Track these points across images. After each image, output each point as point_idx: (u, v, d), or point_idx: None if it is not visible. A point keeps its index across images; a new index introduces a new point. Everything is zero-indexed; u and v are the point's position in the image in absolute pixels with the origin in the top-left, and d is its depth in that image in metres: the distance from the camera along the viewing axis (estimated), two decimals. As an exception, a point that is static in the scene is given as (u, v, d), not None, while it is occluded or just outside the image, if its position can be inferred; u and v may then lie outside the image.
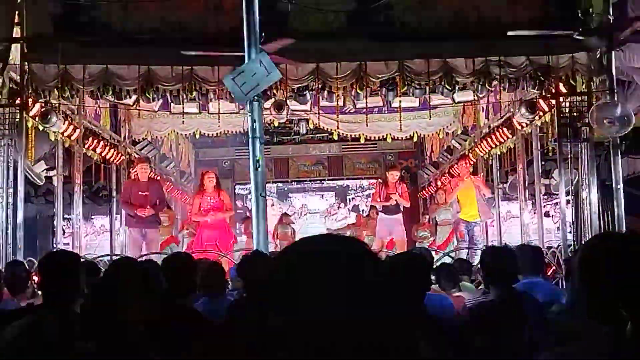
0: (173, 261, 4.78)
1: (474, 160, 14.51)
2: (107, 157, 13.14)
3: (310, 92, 10.58)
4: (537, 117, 11.02)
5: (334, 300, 1.10)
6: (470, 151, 14.66)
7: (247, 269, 4.84)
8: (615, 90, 9.64)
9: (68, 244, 12.24)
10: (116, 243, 14.32)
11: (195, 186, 19.56)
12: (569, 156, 10.26)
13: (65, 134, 11.03)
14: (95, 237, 16.87)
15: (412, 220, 16.23)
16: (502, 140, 12.74)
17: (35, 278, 6.46)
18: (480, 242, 12.47)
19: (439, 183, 17.54)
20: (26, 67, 9.56)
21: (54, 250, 9.75)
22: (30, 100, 9.78)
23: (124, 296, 3.11)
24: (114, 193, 14.20)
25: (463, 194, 12.67)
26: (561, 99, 10.16)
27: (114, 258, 9.64)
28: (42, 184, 12.12)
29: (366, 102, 11.35)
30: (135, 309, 3.05)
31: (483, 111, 14.16)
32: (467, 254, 11.61)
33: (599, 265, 1.83)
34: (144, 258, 9.58)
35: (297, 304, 1.11)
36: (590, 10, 9.50)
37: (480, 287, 6.53)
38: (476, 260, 9.10)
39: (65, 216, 12.41)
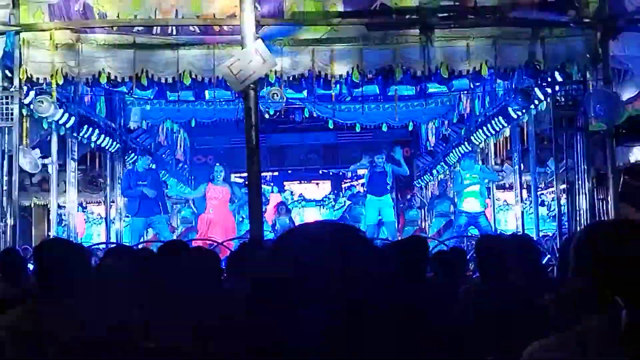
0: (166, 248, 4.79)
1: (469, 149, 14.53)
2: (102, 145, 13.11)
3: (306, 80, 10.56)
4: (532, 106, 11.03)
5: (329, 287, 1.10)
6: (466, 140, 14.66)
7: (243, 258, 4.84)
8: (611, 79, 9.64)
9: (63, 232, 12.23)
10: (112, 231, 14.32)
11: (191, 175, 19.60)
12: (564, 145, 10.27)
13: (60, 122, 11.00)
14: (91, 225, 16.88)
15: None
16: (497, 128, 12.73)
17: (31, 266, 6.45)
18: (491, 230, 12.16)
19: (434, 172, 17.57)
20: (21, 54, 9.52)
21: (49, 238, 9.75)
22: (24, 88, 9.75)
23: None
24: (109, 181, 14.18)
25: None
26: (557, 87, 10.16)
27: (110, 246, 9.64)
28: (37, 172, 12.11)
29: (362, 91, 11.33)
30: None
31: (479, 100, 14.15)
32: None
33: (593, 253, 1.84)
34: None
35: (291, 294, 1.11)
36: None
37: (474, 276, 6.54)
38: None
39: (60, 204, 12.38)
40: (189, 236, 13.37)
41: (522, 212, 12.75)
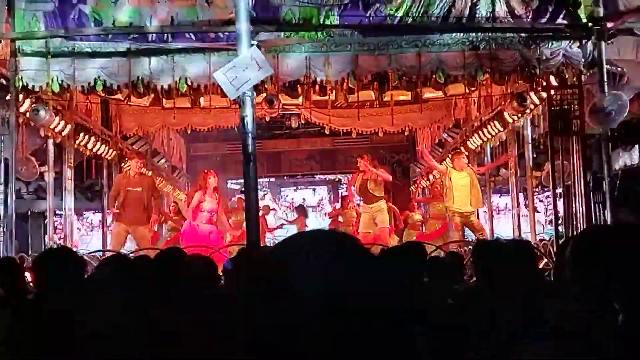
0: (164, 255, 4.79)
1: (467, 153, 14.54)
2: (99, 152, 13.10)
3: (302, 86, 10.56)
4: (528, 110, 11.04)
5: (324, 296, 1.10)
6: (462, 144, 14.68)
7: (240, 264, 4.85)
8: (605, 83, 9.65)
9: (60, 239, 12.22)
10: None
11: (187, 181, 19.54)
12: (560, 149, 10.28)
13: (56, 130, 10.99)
14: (87, 233, 16.84)
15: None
16: (493, 133, 12.75)
17: (28, 274, 6.42)
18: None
19: (431, 177, 17.58)
20: (16, 62, 9.51)
21: (55, 247, 9.74)
22: (20, 96, 9.74)
23: None
24: (105, 189, 14.17)
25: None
26: (552, 91, 10.18)
27: (107, 254, 9.63)
28: (33, 180, 12.11)
29: (357, 96, 11.33)
30: None
31: (474, 104, 14.17)
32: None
33: (590, 257, 1.84)
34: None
35: (286, 301, 1.11)
36: (581, 2, 9.50)
37: (472, 281, 6.54)
38: None
39: (57, 212, 12.36)
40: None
41: (519, 217, 12.76)
